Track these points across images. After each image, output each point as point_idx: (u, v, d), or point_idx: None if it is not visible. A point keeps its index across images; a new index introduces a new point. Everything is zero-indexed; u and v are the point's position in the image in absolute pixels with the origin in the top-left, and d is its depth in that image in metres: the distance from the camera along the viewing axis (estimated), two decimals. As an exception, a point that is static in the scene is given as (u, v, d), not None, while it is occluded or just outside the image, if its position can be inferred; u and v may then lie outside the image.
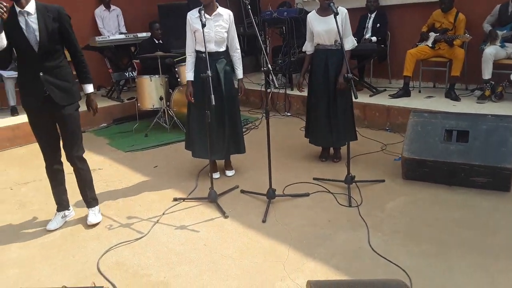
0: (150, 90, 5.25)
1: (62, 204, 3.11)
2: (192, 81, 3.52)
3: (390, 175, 3.58)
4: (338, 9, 3.29)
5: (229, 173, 3.84)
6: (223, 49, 3.51)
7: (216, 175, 3.72)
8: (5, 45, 2.57)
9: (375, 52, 5.42)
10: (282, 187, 3.44)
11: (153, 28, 5.75)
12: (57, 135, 2.94)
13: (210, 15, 3.35)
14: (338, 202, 3.16)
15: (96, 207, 3.12)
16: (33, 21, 2.64)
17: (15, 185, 3.90)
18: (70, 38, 2.81)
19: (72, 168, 2.99)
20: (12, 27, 2.61)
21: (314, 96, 3.82)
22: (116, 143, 5.02)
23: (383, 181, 3.48)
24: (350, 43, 3.65)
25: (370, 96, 5.28)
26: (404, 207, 3.05)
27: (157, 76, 5.21)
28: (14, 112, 5.62)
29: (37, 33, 2.66)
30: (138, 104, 5.35)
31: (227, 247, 2.66)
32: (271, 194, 3.15)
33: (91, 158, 4.26)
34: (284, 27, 5.85)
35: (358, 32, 5.63)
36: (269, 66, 2.97)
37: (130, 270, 2.48)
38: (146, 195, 3.51)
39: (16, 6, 2.61)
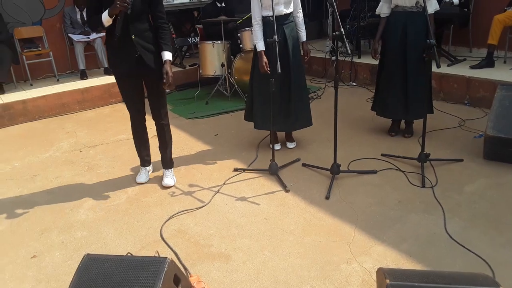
0: (212, 57, 5.16)
1: (147, 160, 3.28)
2: (264, 50, 3.32)
3: (469, 154, 3.25)
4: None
5: (291, 145, 3.69)
6: (291, 9, 3.28)
7: (277, 147, 3.60)
8: (110, 23, 2.68)
9: (457, 16, 4.89)
10: (346, 163, 3.25)
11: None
12: (143, 95, 3.02)
13: None
14: (409, 182, 2.92)
15: (172, 169, 3.23)
16: None
17: (84, 148, 4.05)
18: (158, 3, 2.83)
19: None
20: None
21: (388, 64, 3.50)
22: (178, 109, 5.05)
23: (461, 160, 3.16)
24: (433, 5, 3.27)
25: (448, 65, 4.80)
26: (485, 190, 2.75)
27: (219, 41, 5.10)
28: (83, 75, 5.83)
29: None
30: (200, 71, 5.31)
31: (288, 223, 2.56)
32: (335, 169, 2.98)
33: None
34: (354, -12, 5.43)
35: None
36: (342, 30, 2.72)
37: (192, 239, 2.47)
38: (207, 164, 3.49)
39: None
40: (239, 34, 5.16)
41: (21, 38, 5.77)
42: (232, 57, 5.33)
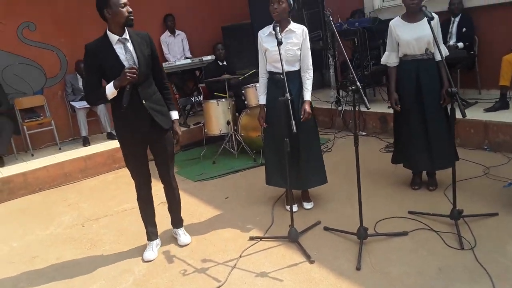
0: (217, 115, 5.05)
1: (154, 233, 3.08)
2: (264, 104, 3.23)
3: (502, 206, 2.99)
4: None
5: (308, 205, 3.44)
6: (296, 68, 3.17)
7: (294, 208, 3.35)
8: (115, 95, 2.58)
9: (464, 59, 4.81)
10: (372, 223, 2.98)
11: (216, 49, 5.60)
12: (147, 161, 2.90)
13: (280, 32, 3.05)
14: (446, 244, 2.63)
15: (183, 227, 3.19)
16: (131, 48, 2.60)
17: (86, 221, 3.80)
18: (158, 64, 2.81)
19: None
20: (108, 57, 2.56)
21: (406, 114, 3.32)
22: (184, 171, 4.85)
23: (496, 214, 2.90)
24: (444, 51, 3.16)
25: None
26: (531, 249, 2.47)
27: (223, 99, 5.01)
28: (86, 142, 5.69)
29: (136, 60, 2.59)
30: (205, 130, 5.17)
31: (318, 302, 2.26)
32: (362, 234, 2.71)
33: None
34: (356, 39, 5.41)
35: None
36: (359, 84, 2.57)
37: (210, 329, 2.17)
38: (220, 233, 3.23)
39: (112, 34, 2.56)
40: (243, 91, 5.08)
41: (22, 108, 5.71)
42: (238, 114, 5.22)
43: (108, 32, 2.58)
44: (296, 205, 3.41)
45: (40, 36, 5.89)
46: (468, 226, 2.78)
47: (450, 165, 2.88)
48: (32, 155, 5.50)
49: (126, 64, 2.56)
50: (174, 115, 2.88)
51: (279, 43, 2.73)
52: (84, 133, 5.74)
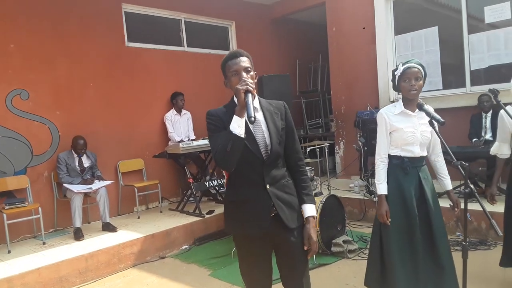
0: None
1: None
2: (386, 195, 2.68)
3: None
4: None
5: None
6: (425, 153, 2.73)
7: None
8: (242, 137, 1.84)
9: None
10: None
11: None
12: (271, 271, 2.12)
13: (413, 111, 2.65)
14: None
15: None
16: (262, 120, 1.99)
17: None
18: (294, 141, 2.11)
19: None
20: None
21: None
22: (222, 274, 3.93)
23: None
24: None
25: None
26: None
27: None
28: (79, 235, 4.59)
29: (266, 135, 1.97)
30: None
31: None
32: None
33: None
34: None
35: (474, 134, 5.09)
36: (471, 186, 2.17)
37: None
38: None
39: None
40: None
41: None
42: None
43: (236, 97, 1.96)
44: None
45: (33, 107, 4.97)
46: None
47: None
48: (9, 251, 4.27)
49: (255, 136, 1.96)
50: (309, 210, 2.08)
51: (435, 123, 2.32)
52: (78, 223, 4.66)
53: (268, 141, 1.97)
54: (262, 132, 1.99)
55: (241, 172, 1.97)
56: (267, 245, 2.07)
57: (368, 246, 4.32)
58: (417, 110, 2.61)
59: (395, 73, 2.68)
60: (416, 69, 2.58)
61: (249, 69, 1.96)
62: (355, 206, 5.50)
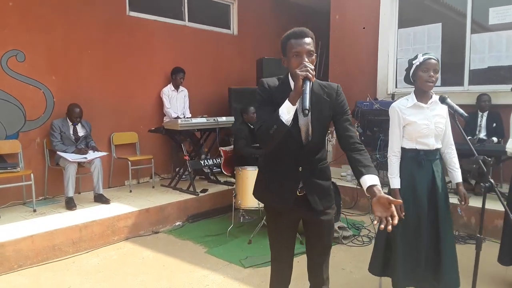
0: (254, 186, 4.35)
1: None
2: (399, 189, 2.71)
3: None
4: None
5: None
6: (440, 145, 2.76)
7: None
8: (288, 125, 1.78)
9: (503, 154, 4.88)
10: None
11: (250, 111, 5.04)
12: (293, 245, 2.17)
13: (426, 103, 2.66)
14: None
15: None
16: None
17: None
18: (347, 128, 2.00)
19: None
20: (282, 103, 1.80)
21: None
22: (218, 252, 3.94)
23: None
24: None
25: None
26: None
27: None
28: (71, 205, 4.49)
29: (310, 123, 1.92)
30: (239, 201, 4.39)
31: None
32: None
33: (207, 277, 3.26)
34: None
35: (469, 131, 5.19)
36: (492, 181, 2.25)
37: None
38: None
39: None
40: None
41: (-10, 155, 4.42)
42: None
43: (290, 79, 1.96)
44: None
45: (28, 69, 4.78)
46: None
47: None
48: (-1, 217, 4.16)
49: (298, 121, 1.92)
50: (370, 179, 1.83)
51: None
52: (71, 193, 4.55)
53: (310, 130, 1.94)
54: (306, 119, 1.94)
55: (278, 150, 1.95)
56: (293, 221, 2.11)
57: (361, 233, 4.45)
58: (429, 101, 2.64)
59: (413, 62, 2.63)
60: (435, 61, 2.58)
61: (312, 52, 1.84)
62: (346, 194, 5.57)
